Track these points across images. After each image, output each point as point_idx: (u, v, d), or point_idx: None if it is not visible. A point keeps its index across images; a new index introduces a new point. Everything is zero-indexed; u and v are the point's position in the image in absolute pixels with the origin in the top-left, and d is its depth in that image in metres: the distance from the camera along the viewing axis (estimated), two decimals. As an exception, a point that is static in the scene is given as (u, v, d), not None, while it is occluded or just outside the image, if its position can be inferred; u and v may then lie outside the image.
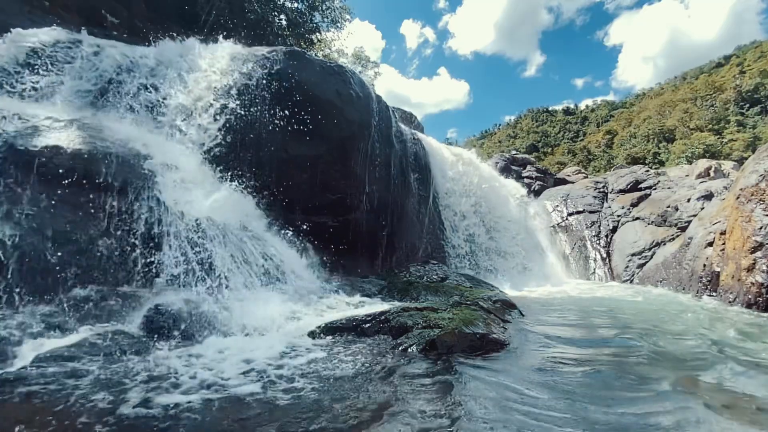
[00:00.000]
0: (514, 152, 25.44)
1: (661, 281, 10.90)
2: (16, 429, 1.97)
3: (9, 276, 3.48)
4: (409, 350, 3.57)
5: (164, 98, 6.34)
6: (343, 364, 3.15)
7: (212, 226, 4.88)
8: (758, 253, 6.72)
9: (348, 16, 19.39)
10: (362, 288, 6.33)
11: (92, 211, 4.20)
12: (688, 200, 13.18)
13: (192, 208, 4.88)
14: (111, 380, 2.57)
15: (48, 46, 6.14)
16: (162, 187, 4.80)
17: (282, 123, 6.66)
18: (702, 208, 11.91)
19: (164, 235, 4.44)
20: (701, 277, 8.70)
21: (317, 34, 18.46)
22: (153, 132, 5.94)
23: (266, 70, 6.74)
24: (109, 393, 2.38)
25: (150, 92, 6.38)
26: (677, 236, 12.20)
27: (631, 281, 12.39)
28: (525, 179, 19.92)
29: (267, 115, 6.60)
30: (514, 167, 20.91)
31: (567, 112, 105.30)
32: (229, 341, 3.55)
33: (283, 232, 6.35)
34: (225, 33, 9.04)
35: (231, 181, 6.02)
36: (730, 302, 7.12)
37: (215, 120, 6.34)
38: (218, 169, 6.05)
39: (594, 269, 13.83)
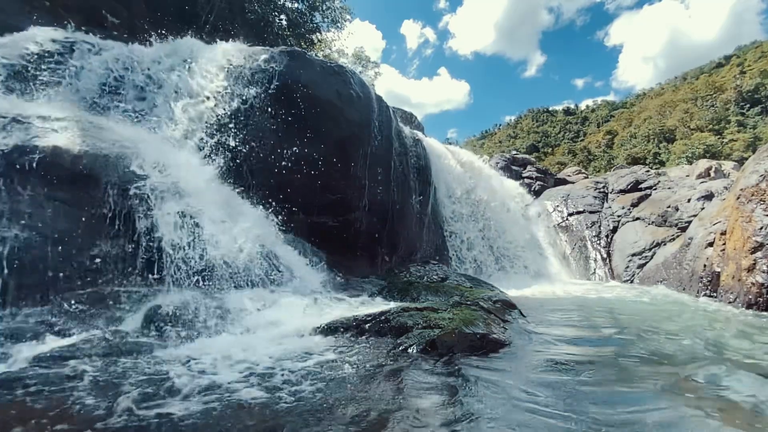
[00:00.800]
0: (514, 152, 25.42)
1: (661, 281, 10.88)
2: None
3: (7, 276, 3.48)
4: (410, 350, 3.57)
5: (162, 102, 6.24)
6: (343, 365, 3.15)
7: (227, 268, 4.58)
8: (758, 254, 6.71)
9: (348, 16, 19.41)
10: (362, 288, 6.33)
11: (92, 212, 4.19)
12: (689, 200, 13.17)
13: (203, 249, 4.46)
14: (107, 383, 2.55)
15: (31, 62, 5.68)
16: (159, 221, 4.36)
17: (282, 123, 6.66)
18: (702, 209, 11.90)
19: (163, 281, 4.14)
20: (701, 278, 8.69)
21: (317, 34, 18.47)
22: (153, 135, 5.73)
23: (266, 71, 6.73)
24: (105, 396, 2.35)
25: (149, 89, 6.31)
26: (677, 236, 12.19)
27: (632, 281, 12.38)
28: (525, 179, 19.92)
29: (267, 115, 6.60)
30: (514, 167, 20.90)
31: (567, 112, 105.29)
32: (228, 342, 3.54)
33: (282, 231, 6.35)
34: (225, 33, 9.04)
35: (255, 204, 5.89)
36: (730, 302, 7.12)
37: (215, 120, 6.34)
38: (217, 170, 6.03)
39: (594, 269, 13.82)
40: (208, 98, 6.48)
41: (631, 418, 2.43)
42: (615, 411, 2.53)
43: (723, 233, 8.28)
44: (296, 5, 16.62)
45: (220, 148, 6.24)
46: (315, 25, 17.75)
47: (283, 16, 16.07)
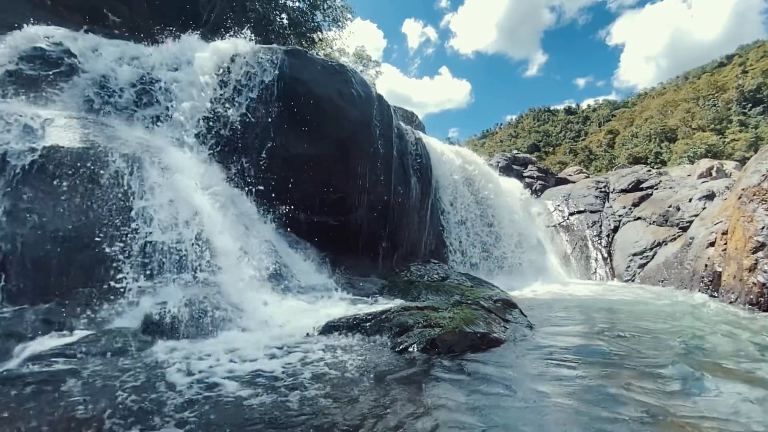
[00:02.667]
0: (515, 152, 25.41)
1: (662, 281, 10.88)
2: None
3: (8, 274, 3.49)
4: (410, 349, 3.57)
5: (166, 109, 6.20)
6: (343, 364, 3.15)
7: (228, 267, 4.67)
8: (760, 254, 6.70)
9: (349, 15, 19.36)
10: (363, 287, 6.33)
11: (93, 210, 4.20)
12: (690, 200, 13.15)
13: (205, 248, 4.48)
14: (105, 383, 2.54)
15: (31, 62, 5.52)
16: (161, 222, 4.38)
17: (283, 122, 6.66)
18: (704, 208, 11.88)
19: (164, 280, 4.15)
20: (703, 278, 8.68)
21: (319, 33, 18.43)
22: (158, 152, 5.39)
23: (267, 70, 6.73)
24: (101, 398, 2.34)
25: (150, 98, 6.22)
26: (679, 236, 12.17)
27: (633, 281, 12.36)
28: (526, 179, 19.90)
29: (268, 115, 6.60)
30: (515, 167, 20.88)
31: (568, 111, 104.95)
32: (229, 341, 3.55)
33: (284, 231, 6.36)
34: (226, 32, 9.03)
35: (257, 203, 5.89)
36: (731, 302, 7.10)
37: (216, 120, 6.34)
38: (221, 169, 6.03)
39: (595, 269, 13.81)
40: (209, 98, 6.42)
41: (623, 411, 2.44)
42: (611, 407, 2.54)
43: (724, 233, 8.26)
44: (297, 4, 16.60)
45: (221, 148, 6.25)
46: (316, 24, 17.72)
47: (284, 15, 16.03)
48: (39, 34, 5.96)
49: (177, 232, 4.45)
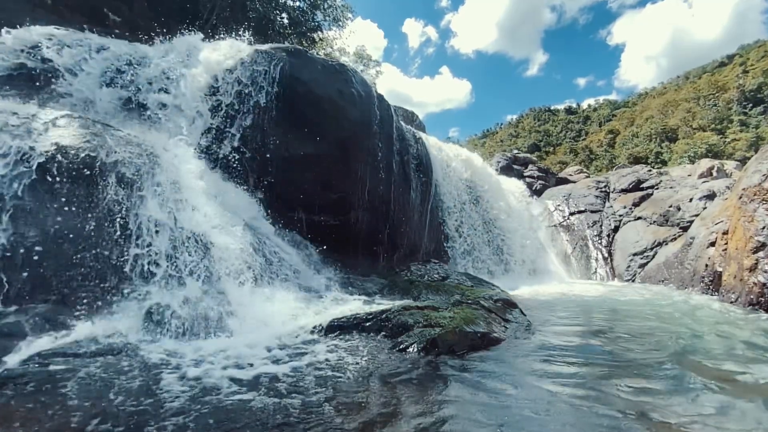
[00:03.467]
0: (515, 151, 25.41)
1: (662, 281, 10.87)
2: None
3: (8, 274, 3.49)
4: (410, 349, 3.57)
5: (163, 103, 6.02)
6: (344, 364, 3.15)
7: (228, 267, 4.63)
8: (760, 253, 6.69)
9: (350, 15, 19.36)
10: (363, 287, 6.33)
11: (93, 209, 4.19)
12: (690, 200, 13.13)
13: (205, 248, 4.46)
14: (103, 384, 2.53)
15: (32, 61, 5.33)
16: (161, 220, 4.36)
17: (283, 122, 6.66)
18: (704, 208, 11.87)
19: (164, 279, 4.07)
20: (703, 277, 8.67)
21: (319, 32, 18.42)
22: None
23: (268, 69, 6.72)
24: (98, 399, 2.33)
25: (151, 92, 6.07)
26: (679, 236, 12.16)
27: (633, 281, 12.35)
28: (527, 178, 19.87)
29: (268, 114, 6.59)
30: (515, 166, 20.87)
31: (569, 111, 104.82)
32: (227, 340, 3.55)
33: (284, 230, 6.36)
34: (226, 31, 9.03)
35: (257, 202, 5.78)
36: (732, 302, 7.09)
37: (216, 119, 6.33)
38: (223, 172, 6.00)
39: (596, 269, 13.80)
40: (200, 130, 6.22)
41: (621, 411, 2.44)
42: (609, 406, 2.54)
43: (725, 233, 8.26)
44: (297, 3, 16.59)
45: (222, 147, 6.24)
46: (316, 23, 17.70)
47: (284, 15, 16.02)
48: (19, 44, 5.56)
49: (177, 233, 4.44)
